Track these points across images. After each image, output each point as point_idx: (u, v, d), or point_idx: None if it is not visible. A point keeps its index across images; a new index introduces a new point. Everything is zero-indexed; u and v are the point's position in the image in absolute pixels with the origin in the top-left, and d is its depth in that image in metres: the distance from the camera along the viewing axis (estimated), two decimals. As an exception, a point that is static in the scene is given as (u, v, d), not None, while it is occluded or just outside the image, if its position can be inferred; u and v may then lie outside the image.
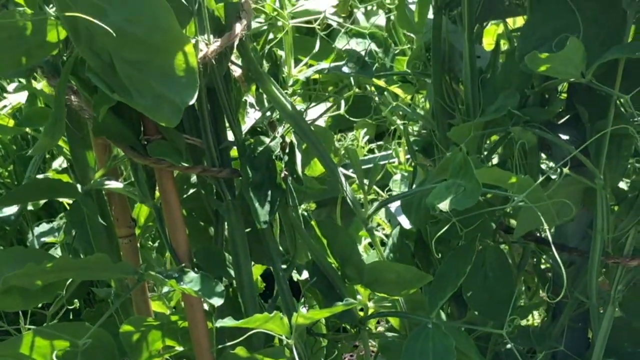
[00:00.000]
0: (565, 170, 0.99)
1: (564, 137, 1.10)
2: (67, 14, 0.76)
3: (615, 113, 1.05)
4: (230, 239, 1.01)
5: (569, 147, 1.05)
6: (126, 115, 0.93)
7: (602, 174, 1.05)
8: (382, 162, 1.88)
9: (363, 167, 1.92)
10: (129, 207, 1.14)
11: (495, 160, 1.26)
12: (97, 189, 1.09)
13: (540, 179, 0.95)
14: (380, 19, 2.43)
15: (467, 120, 1.20)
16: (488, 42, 1.54)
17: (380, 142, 2.11)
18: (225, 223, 1.04)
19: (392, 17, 2.00)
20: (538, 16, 1.06)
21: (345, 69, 1.10)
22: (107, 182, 1.05)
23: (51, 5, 0.84)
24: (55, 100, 0.88)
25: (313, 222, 1.07)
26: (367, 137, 2.22)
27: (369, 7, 2.44)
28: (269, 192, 0.96)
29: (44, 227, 1.63)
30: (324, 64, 1.11)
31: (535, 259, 1.30)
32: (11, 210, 1.38)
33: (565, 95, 1.19)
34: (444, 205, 0.89)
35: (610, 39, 1.02)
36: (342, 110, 1.19)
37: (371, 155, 2.03)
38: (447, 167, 1.12)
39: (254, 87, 1.04)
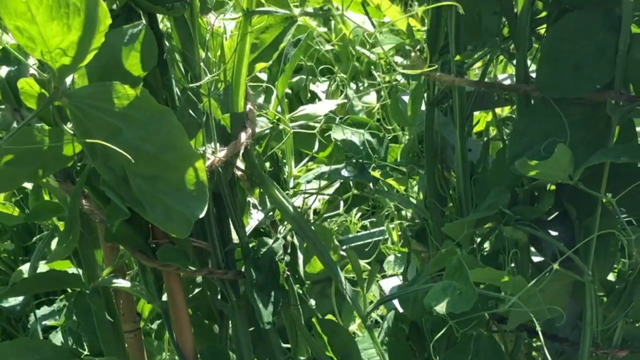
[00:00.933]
0: (555, 265, 1.04)
1: (553, 233, 1.15)
2: (87, 140, 0.81)
3: (602, 211, 1.11)
4: (235, 338, 1.05)
5: (559, 244, 1.10)
6: (136, 222, 0.97)
7: (590, 270, 1.10)
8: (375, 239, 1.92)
9: (356, 243, 1.97)
10: (135, 302, 1.17)
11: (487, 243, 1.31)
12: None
13: (532, 281, 0.99)
14: (372, 96, 2.51)
15: (460, 213, 1.25)
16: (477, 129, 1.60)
17: (374, 219, 2.16)
18: (230, 322, 1.08)
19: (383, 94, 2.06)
20: (526, 119, 1.11)
21: (344, 172, 1.15)
22: (115, 281, 1.09)
23: (69, 123, 0.88)
24: (69, 209, 0.93)
25: (314, 320, 1.11)
26: (359, 214, 2.27)
27: (361, 86, 2.52)
28: (272, 293, 1.00)
29: (45, 309, 1.66)
30: (324, 167, 1.16)
31: (527, 348, 1.33)
32: (17, 300, 1.41)
33: (554, 187, 1.24)
34: (441, 308, 0.94)
35: (596, 142, 1.07)
36: (341, 210, 1.24)
37: (364, 232, 2.07)
38: (441, 262, 1.17)
39: (257, 191, 1.09)
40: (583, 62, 1.03)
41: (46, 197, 1.36)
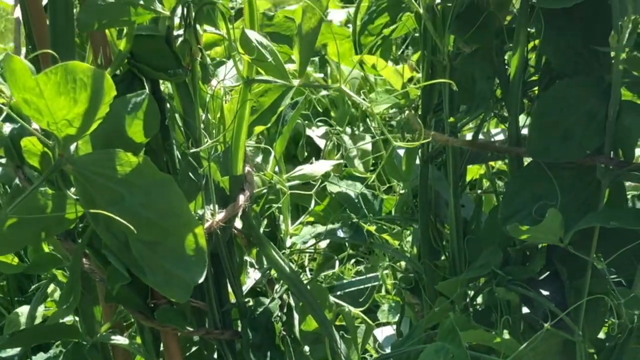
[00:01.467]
0: (547, 325, 1.06)
1: (545, 292, 1.17)
2: (91, 210, 0.83)
3: (593, 271, 1.13)
4: (231, 397, 1.06)
5: (550, 305, 1.12)
6: (136, 283, 0.99)
7: (581, 330, 1.12)
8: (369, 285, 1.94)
9: (350, 289, 1.98)
10: (131, 356, 1.19)
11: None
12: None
13: (525, 344, 1.01)
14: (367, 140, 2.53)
15: (453, 270, 1.27)
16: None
17: (369, 265, 2.17)
18: (226, 380, 1.09)
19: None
20: (518, 181, 1.14)
21: (340, 233, 1.17)
22: (113, 337, 1.10)
23: (72, 189, 0.91)
24: (70, 270, 0.95)
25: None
26: (354, 259, 2.28)
27: (356, 131, 2.55)
28: (268, 353, 1.02)
29: (41, 355, 1.67)
30: (320, 228, 1.19)
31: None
32: (14, 350, 1.42)
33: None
34: (434, 371, 0.96)
35: (586, 206, 1.10)
36: (337, 269, 1.26)
37: (358, 278, 2.09)
38: (435, 319, 1.19)
39: (254, 251, 1.11)
40: (573, 128, 1.06)
41: (46, 249, 1.37)
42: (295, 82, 0.90)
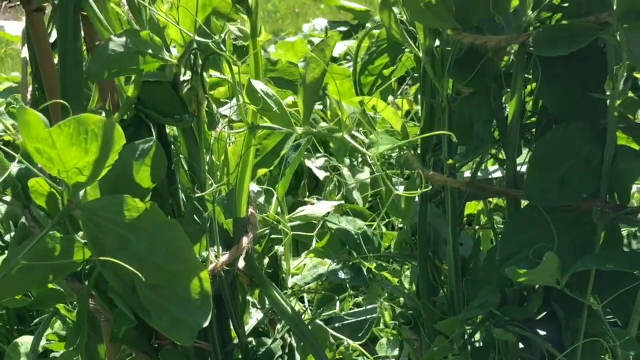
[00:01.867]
0: (544, 366, 1.08)
1: (542, 332, 1.19)
2: (100, 258, 0.85)
3: (589, 312, 1.15)
4: None
5: (547, 345, 1.14)
6: (141, 325, 1.00)
7: (578, 370, 1.14)
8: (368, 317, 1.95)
9: (349, 321, 2.00)
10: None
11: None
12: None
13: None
14: (365, 174, 2.55)
15: (452, 309, 1.29)
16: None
17: (368, 298, 2.19)
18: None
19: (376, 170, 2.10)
20: (516, 224, 1.16)
21: (341, 275, 1.19)
22: (117, 376, 1.12)
23: (81, 233, 0.93)
24: (78, 312, 0.96)
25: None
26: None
27: (355, 163, 2.57)
28: (271, 393, 1.04)
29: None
30: (322, 268, 1.21)
31: None
32: (17, 385, 1.43)
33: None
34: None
35: (582, 248, 1.12)
36: (337, 309, 1.28)
37: (357, 310, 2.10)
38: (434, 359, 1.21)
39: (257, 291, 1.13)
40: (570, 172, 1.08)
41: (50, 285, 1.39)
42: (299, 130, 0.93)
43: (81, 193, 0.90)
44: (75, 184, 0.85)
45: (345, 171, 2.37)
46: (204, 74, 0.97)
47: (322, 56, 0.90)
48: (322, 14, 5.47)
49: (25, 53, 1.34)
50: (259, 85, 0.88)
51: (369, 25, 2.85)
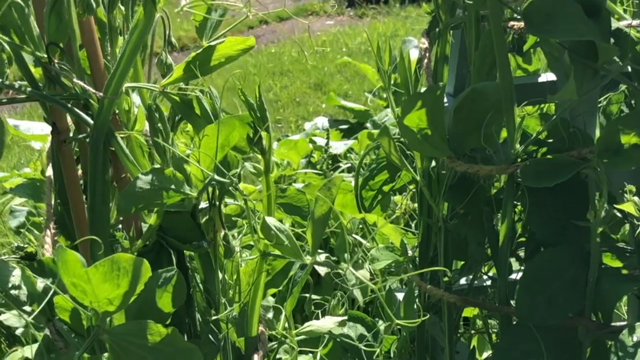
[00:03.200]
0: None
1: None
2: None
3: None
4: None
5: None
6: None
7: None
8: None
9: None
10: None
11: None
12: None
13: None
14: (365, 272, 2.63)
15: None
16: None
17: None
18: None
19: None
20: (508, 339, 1.24)
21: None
22: None
23: (106, 354, 1.01)
24: None
25: None
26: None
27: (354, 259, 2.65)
28: None
29: None
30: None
31: None
32: None
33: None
34: None
35: (570, 366, 1.20)
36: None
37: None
38: None
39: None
40: (556, 293, 1.17)
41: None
42: (308, 260, 1.02)
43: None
44: (105, 312, 0.94)
45: (346, 266, 2.44)
46: (221, 205, 1.06)
47: (329, 194, 0.99)
48: (320, 102, 5.62)
49: (49, 172, 1.44)
50: (272, 222, 0.97)
51: (368, 124, 2.97)
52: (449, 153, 1.24)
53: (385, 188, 1.53)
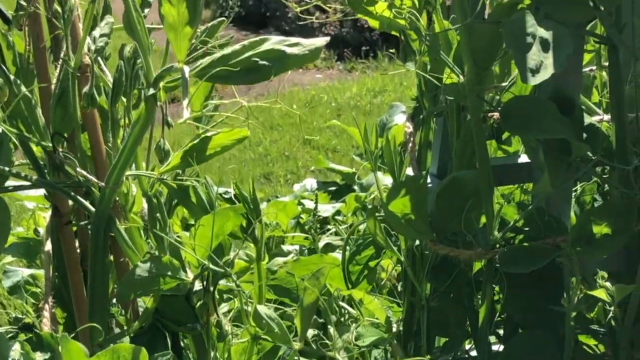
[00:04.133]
0: None
1: None
2: None
3: None
4: None
5: None
6: None
7: None
8: None
9: None
10: None
11: None
12: None
13: None
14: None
15: None
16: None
17: None
18: None
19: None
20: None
21: None
22: None
23: None
24: None
25: None
26: None
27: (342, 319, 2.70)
28: None
29: None
30: None
31: None
32: None
33: None
34: None
35: None
36: None
37: None
38: None
39: None
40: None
41: None
42: (297, 345, 1.08)
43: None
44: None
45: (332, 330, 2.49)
46: (215, 291, 1.12)
47: (317, 283, 1.06)
48: (309, 156, 5.71)
49: (48, 246, 1.49)
50: (263, 310, 1.03)
51: (355, 187, 3.03)
52: (431, 236, 1.30)
53: (372, 263, 1.59)
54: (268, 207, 2.92)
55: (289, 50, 0.96)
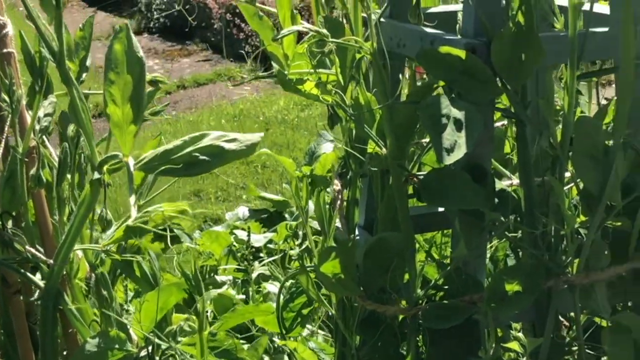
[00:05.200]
0: None
1: None
2: None
3: None
4: None
5: None
6: None
7: None
8: None
9: None
10: None
11: None
12: None
13: None
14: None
15: None
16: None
17: None
18: None
19: None
20: None
21: None
22: None
23: None
24: None
25: None
26: None
27: None
28: None
29: None
30: None
31: None
32: None
33: None
34: None
35: None
36: None
37: None
38: None
39: None
40: None
41: None
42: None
43: None
44: None
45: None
46: None
47: (256, 354, 1.15)
48: (239, 172, 5.78)
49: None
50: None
51: (286, 215, 3.14)
52: (360, 293, 1.41)
53: (305, 311, 1.69)
54: (202, 236, 3.00)
55: (227, 146, 1.05)
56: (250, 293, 2.82)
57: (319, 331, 2.01)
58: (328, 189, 1.60)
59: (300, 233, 2.92)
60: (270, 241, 2.99)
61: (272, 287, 2.53)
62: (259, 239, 2.91)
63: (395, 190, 1.35)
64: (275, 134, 6.32)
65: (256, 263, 2.82)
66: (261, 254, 2.93)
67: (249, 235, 2.82)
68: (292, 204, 3.19)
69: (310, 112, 6.87)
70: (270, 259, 2.79)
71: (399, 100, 1.30)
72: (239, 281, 2.74)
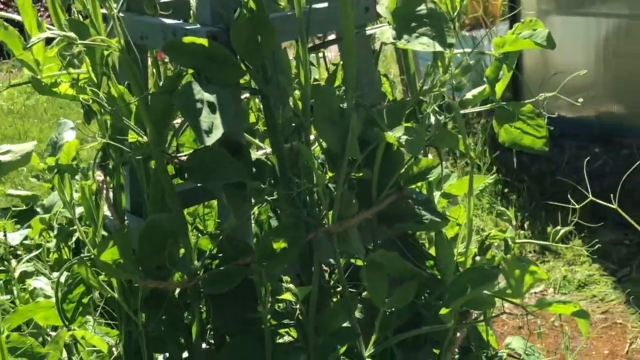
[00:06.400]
0: None
1: None
2: None
3: None
4: None
5: None
6: None
7: None
8: None
9: None
10: None
11: None
12: None
13: None
14: None
15: None
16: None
17: None
18: None
19: None
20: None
21: None
22: None
23: None
24: None
25: None
26: None
27: None
28: None
29: None
30: None
31: None
32: None
33: None
34: None
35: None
36: None
37: None
38: None
39: None
40: (245, 372, 1.48)
41: None
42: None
43: None
44: None
45: None
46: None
47: (57, 347, 1.21)
48: None
49: None
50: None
51: (38, 209, 3.10)
52: (139, 274, 1.49)
53: (85, 300, 1.74)
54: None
55: (2, 158, 1.09)
56: (15, 292, 2.78)
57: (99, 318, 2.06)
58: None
59: (55, 225, 2.91)
60: (26, 237, 2.95)
61: (37, 282, 2.53)
62: (14, 237, 2.87)
63: (160, 175, 1.45)
64: (4, 125, 6.08)
65: (13, 261, 2.78)
66: (19, 252, 2.89)
67: (5, 236, 2.77)
68: (42, 198, 3.16)
69: (37, 98, 6.65)
70: (30, 255, 2.77)
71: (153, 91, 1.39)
72: (1, 282, 2.70)
